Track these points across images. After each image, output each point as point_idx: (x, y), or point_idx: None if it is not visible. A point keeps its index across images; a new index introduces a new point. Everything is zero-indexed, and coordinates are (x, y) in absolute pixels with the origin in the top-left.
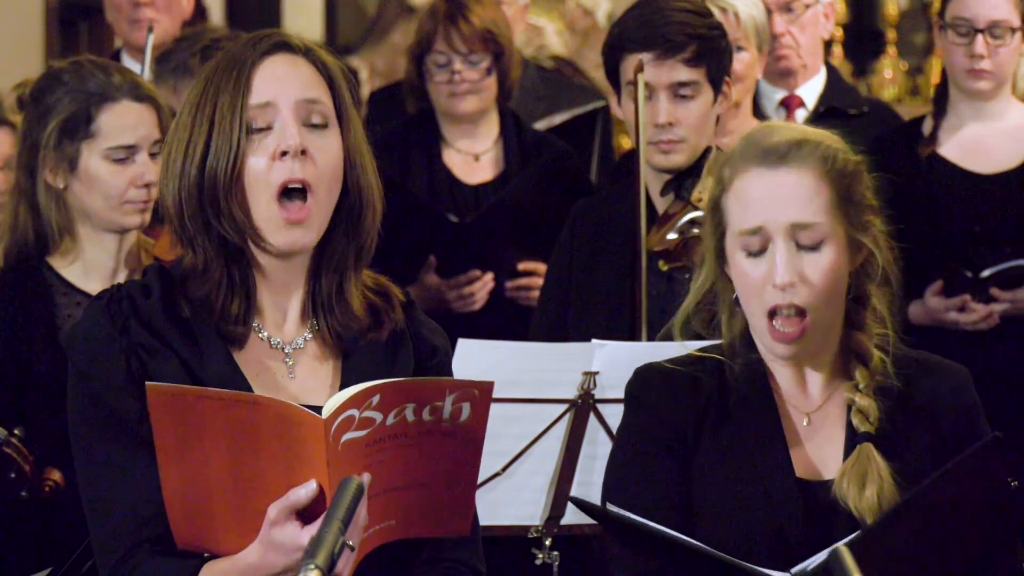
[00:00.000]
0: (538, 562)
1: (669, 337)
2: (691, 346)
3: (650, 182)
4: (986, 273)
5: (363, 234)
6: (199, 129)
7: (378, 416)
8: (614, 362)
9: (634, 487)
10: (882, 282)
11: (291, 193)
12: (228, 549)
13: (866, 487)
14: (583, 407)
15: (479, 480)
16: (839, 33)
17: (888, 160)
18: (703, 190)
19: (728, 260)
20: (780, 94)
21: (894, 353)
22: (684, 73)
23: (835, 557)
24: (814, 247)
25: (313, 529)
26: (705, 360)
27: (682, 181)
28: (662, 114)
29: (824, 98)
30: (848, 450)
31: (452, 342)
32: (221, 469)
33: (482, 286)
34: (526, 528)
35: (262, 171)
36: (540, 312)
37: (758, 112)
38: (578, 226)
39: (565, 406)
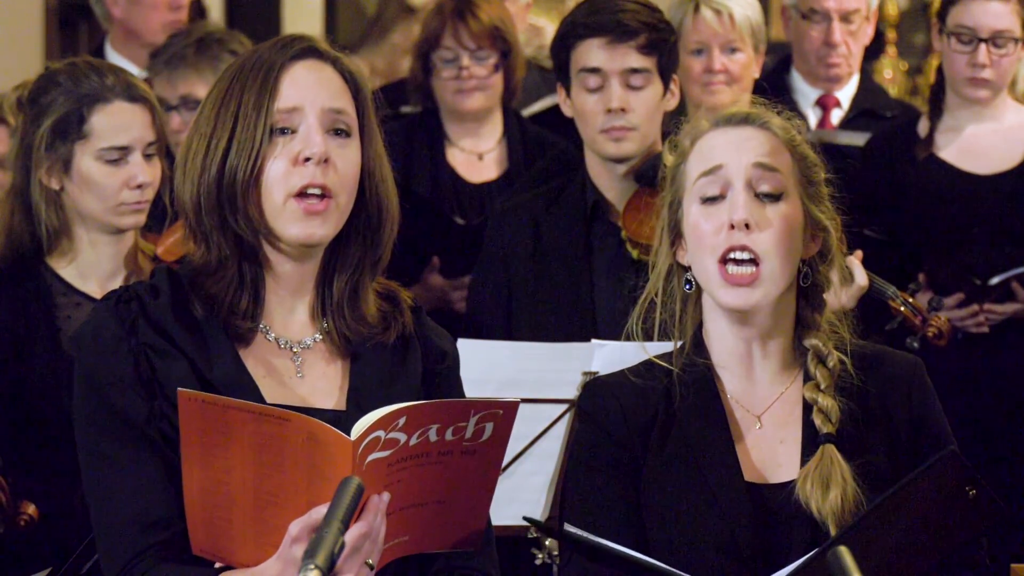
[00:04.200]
0: (538, 562)
1: (629, 336)
2: (670, 347)
3: (597, 174)
4: (994, 281)
5: (381, 245)
6: (222, 126)
7: (402, 437)
8: (614, 362)
9: (588, 508)
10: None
11: (309, 193)
12: (242, 560)
13: (830, 490)
14: None
15: None
16: None
17: (885, 162)
18: None
19: (684, 227)
20: (816, 93)
21: (849, 348)
22: (636, 60)
23: (835, 557)
24: (774, 197)
25: None
26: (655, 368)
27: (652, 164)
28: (615, 99)
29: (857, 99)
30: (805, 450)
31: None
32: (244, 480)
33: None
34: (526, 528)
35: (282, 174)
36: (486, 323)
37: (793, 111)
38: (508, 232)
39: (565, 406)
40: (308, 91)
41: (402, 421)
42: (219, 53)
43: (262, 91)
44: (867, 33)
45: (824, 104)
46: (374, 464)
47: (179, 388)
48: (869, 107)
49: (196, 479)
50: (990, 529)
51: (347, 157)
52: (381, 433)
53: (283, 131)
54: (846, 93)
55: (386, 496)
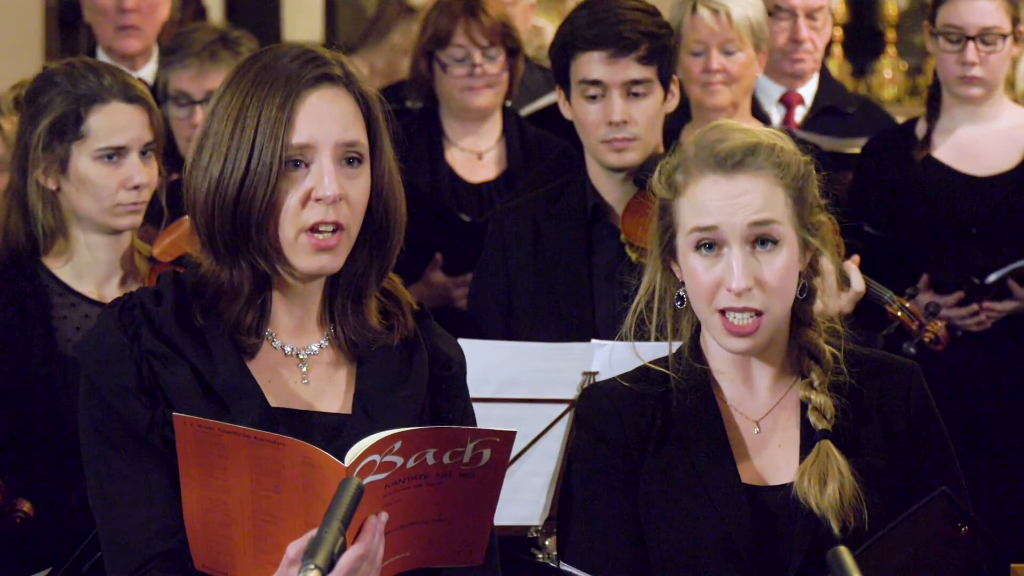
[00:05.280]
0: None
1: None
2: (674, 346)
3: (597, 177)
4: (991, 278)
5: (388, 255)
6: (238, 145)
7: (399, 460)
8: (614, 362)
9: (587, 515)
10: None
11: (322, 229)
12: None
13: (827, 484)
14: None
15: None
16: (839, 33)
17: (883, 163)
18: None
19: (679, 259)
20: (780, 91)
21: (846, 350)
22: (637, 71)
23: (835, 557)
24: (771, 246)
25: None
26: (652, 373)
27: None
28: (617, 112)
29: (819, 96)
30: (804, 450)
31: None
32: (242, 501)
33: None
34: (526, 528)
35: (295, 209)
36: (486, 324)
37: (756, 109)
38: (509, 233)
39: (565, 406)
40: (322, 126)
41: (397, 445)
42: (243, 52)
43: (278, 121)
44: (827, 32)
45: (788, 102)
46: (371, 486)
47: (174, 413)
48: (831, 104)
49: (195, 498)
50: (984, 562)
51: (359, 187)
52: (376, 457)
53: (296, 163)
54: (808, 90)
55: (384, 516)
